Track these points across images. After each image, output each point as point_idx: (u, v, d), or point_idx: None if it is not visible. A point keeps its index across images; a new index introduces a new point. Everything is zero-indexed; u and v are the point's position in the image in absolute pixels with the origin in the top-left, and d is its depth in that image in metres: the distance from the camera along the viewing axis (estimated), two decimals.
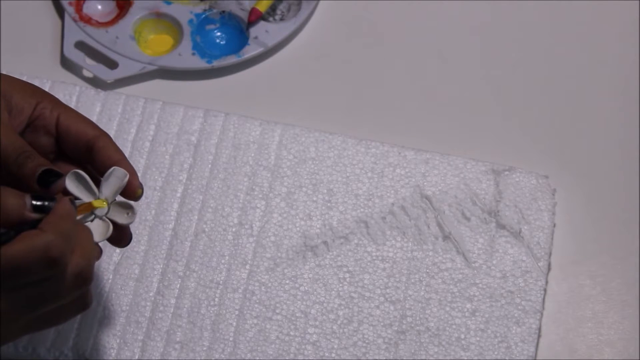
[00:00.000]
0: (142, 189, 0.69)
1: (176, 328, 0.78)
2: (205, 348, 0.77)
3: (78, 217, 0.65)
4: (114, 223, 0.68)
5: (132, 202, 0.69)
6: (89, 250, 0.64)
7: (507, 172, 0.83)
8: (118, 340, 0.77)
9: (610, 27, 0.94)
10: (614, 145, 0.88)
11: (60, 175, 0.66)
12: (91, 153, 0.69)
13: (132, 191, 0.69)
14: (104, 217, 0.68)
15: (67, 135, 0.70)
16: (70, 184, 0.66)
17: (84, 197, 0.67)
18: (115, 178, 0.68)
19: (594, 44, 0.94)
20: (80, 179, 0.67)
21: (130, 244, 0.76)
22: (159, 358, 0.77)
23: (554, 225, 0.82)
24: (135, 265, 0.80)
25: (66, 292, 0.62)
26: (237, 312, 0.78)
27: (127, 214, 0.68)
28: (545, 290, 0.80)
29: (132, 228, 0.78)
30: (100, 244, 0.67)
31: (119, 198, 0.68)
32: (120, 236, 0.70)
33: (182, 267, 0.80)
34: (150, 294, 0.79)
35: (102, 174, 0.68)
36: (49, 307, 0.63)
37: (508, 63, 0.93)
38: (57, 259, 0.60)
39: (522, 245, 0.80)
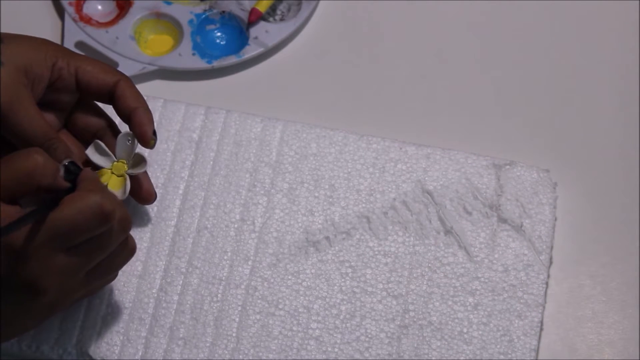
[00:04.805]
0: (155, 139, 0.75)
1: (179, 324, 0.78)
2: (208, 344, 0.77)
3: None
4: (130, 176, 0.75)
5: (142, 155, 0.75)
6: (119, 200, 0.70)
7: (508, 167, 0.83)
8: (121, 337, 0.77)
9: (610, 25, 0.95)
10: (615, 140, 0.89)
11: (80, 169, 0.69)
12: (113, 101, 0.72)
13: (145, 141, 0.74)
14: (123, 174, 0.75)
15: (88, 90, 0.74)
16: (93, 154, 0.75)
17: (103, 162, 0.75)
18: (122, 143, 0.75)
19: (594, 40, 0.94)
20: (98, 147, 0.75)
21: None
22: (162, 354, 0.77)
23: (555, 219, 0.82)
24: (137, 262, 0.80)
25: (114, 239, 0.67)
26: (239, 308, 0.78)
27: (139, 165, 0.75)
28: (547, 283, 0.80)
29: (134, 226, 0.81)
30: None
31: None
32: (144, 196, 0.77)
33: (184, 263, 0.80)
34: (153, 291, 0.79)
35: (123, 117, 0.74)
36: (101, 256, 0.67)
37: (509, 58, 0.93)
38: (111, 213, 0.64)
39: (524, 239, 0.81)
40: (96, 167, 0.75)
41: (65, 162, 0.67)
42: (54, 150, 0.71)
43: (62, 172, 0.65)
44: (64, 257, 0.64)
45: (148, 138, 0.74)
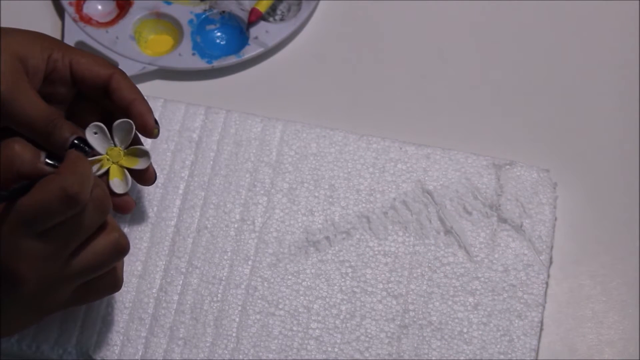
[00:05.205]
0: (158, 128, 0.75)
1: (179, 324, 0.78)
2: (208, 344, 0.77)
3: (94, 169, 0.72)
4: (131, 170, 0.74)
5: (145, 148, 0.74)
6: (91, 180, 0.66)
7: (508, 166, 0.83)
8: (121, 337, 0.77)
9: (611, 25, 0.95)
10: (615, 140, 0.89)
11: (88, 144, 0.70)
12: (108, 94, 0.72)
13: (149, 131, 0.74)
14: (119, 165, 0.74)
15: (83, 82, 0.74)
16: (90, 136, 0.73)
17: (100, 147, 0.73)
18: (120, 131, 0.73)
19: (594, 40, 0.94)
20: (100, 129, 0.73)
21: (132, 242, 0.78)
22: (162, 354, 0.77)
23: (555, 219, 0.82)
24: (137, 262, 0.80)
25: (89, 221, 0.65)
26: (239, 308, 0.78)
27: (142, 159, 0.74)
28: (547, 283, 0.80)
29: (134, 226, 0.81)
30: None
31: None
32: (145, 177, 0.76)
33: (184, 263, 0.80)
34: (153, 291, 0.79)
35: (121, 110, 0.73)
36: (77, 239, 0.65)
37: (509, 58, 0.93)
38: (76, 196, 0.62)
39: (524, 239, 0.81)
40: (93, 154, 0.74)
41: (72, 138, 0.68)
42: (59, 129, 0.70)
43: (43, 158, 0.66)
44: (36, 242, 0.63)
45: (151, 127, 0.73)
